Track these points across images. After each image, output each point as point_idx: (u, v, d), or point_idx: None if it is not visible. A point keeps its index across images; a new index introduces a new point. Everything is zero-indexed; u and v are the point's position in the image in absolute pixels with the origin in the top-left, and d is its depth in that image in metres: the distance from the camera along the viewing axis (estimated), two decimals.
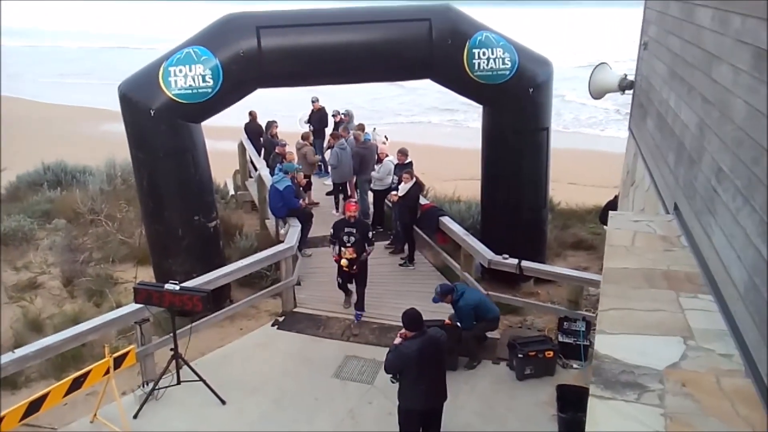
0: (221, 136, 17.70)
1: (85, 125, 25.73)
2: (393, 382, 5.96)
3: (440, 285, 7.77)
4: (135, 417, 6.74)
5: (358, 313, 8.77)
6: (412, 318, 5.74)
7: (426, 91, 33.41)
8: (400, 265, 10.37)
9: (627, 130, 7.72)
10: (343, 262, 8.48)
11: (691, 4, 4.53)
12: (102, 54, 53.28)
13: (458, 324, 7.65)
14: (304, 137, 13.41)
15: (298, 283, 9.57)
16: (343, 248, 8.47)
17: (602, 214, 9.99)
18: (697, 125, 4.10)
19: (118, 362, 6.57)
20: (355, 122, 13.88)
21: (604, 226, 8.67)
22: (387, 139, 13.38)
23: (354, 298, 8.87)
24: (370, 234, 8.71)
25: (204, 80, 8.08)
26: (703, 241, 3.69)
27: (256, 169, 12.67)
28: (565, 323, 7.98)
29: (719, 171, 3.44)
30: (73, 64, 47.91)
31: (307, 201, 13.07)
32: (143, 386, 7.17)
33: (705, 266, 3.60)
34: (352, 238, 8.43)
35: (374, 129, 13.66)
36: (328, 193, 13.10)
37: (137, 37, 59.55)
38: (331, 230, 8.72)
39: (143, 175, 8.55)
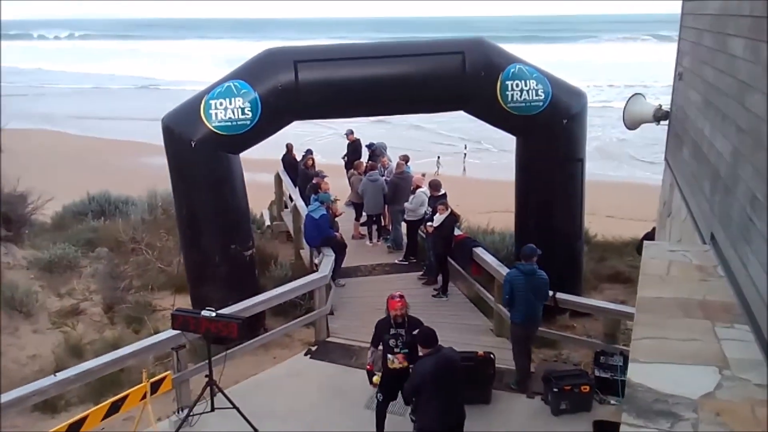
0: (259, 169, 18.06)
1: (126, 158, 26.56)
2: (407, 405, 6.26)
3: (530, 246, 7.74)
4: None
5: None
6: (426, 335, 5.85)
7: (431, 124, 33.22)
8: (434, 296, 10.34)
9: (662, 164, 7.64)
10: (395, 365, 6.49)
11: (724, 34, 4.55)
12: (133, 93, 52.46)
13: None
14: (356, 166, 13.70)
15: (332, 313, 9.62)
16: (390, 356, 6.51)
17: (639, 246, 9.80)
18: (731, 153, 4.08)
19: (155, 387, 6.68)
20: (389, 153, 14.06)
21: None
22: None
23: None
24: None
25: (243, 113, 8.35)
26: (739, 271, 3.63)
27: (291, 200, 12.89)
28: (601, 357, 7.81)
29: (753, 199, 3.40)
30: (111, 102, 47.14)
31: (356, 232, 13.22)
32: (178, 412, 7.26)
33: (741, 296, 3.54)
34: (400, 342, 6.48)
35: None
36: (362, 224, 13.22)
37: (161, 80, 56.46)
38: (374, 331, 6.70)
39: (183, 204, 8.81)
